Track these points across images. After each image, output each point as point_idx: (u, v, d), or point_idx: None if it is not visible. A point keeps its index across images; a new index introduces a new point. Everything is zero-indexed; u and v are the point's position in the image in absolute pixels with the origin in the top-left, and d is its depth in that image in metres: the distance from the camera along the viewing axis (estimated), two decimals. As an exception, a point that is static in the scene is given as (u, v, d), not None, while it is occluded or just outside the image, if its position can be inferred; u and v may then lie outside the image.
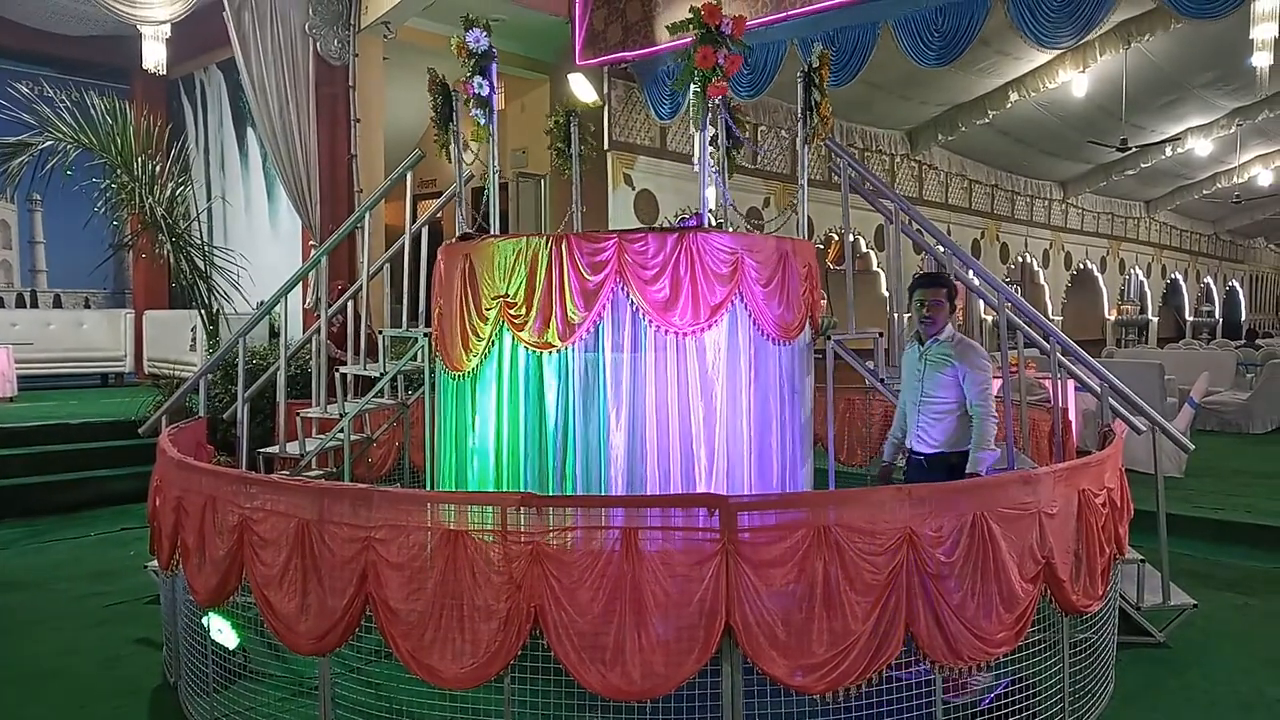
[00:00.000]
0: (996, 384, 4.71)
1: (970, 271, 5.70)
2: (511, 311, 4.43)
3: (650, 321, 4.35)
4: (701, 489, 4.38)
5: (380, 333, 5.96)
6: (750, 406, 4.61)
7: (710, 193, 5.58)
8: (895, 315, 5.78)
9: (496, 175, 5.43)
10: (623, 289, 4.35)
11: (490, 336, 4.50)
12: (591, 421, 4.36)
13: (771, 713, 3.19)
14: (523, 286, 4.40)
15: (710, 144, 5.84)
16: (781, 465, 4.79)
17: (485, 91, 5.16)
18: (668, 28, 5.14)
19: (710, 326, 4.43)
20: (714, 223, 5.47)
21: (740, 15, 4.89)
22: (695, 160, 6.03)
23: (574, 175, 6.31)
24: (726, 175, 5.47)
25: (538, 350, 4.40)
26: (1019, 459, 4.90)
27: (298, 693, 3.87)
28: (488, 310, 4.51)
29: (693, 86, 4.85)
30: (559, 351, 4.37)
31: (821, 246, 13.32)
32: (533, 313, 4.38)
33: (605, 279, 4.33)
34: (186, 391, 6.06)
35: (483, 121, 5.23)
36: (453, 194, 5.58)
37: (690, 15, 4.76)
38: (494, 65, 5.19)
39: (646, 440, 4.37)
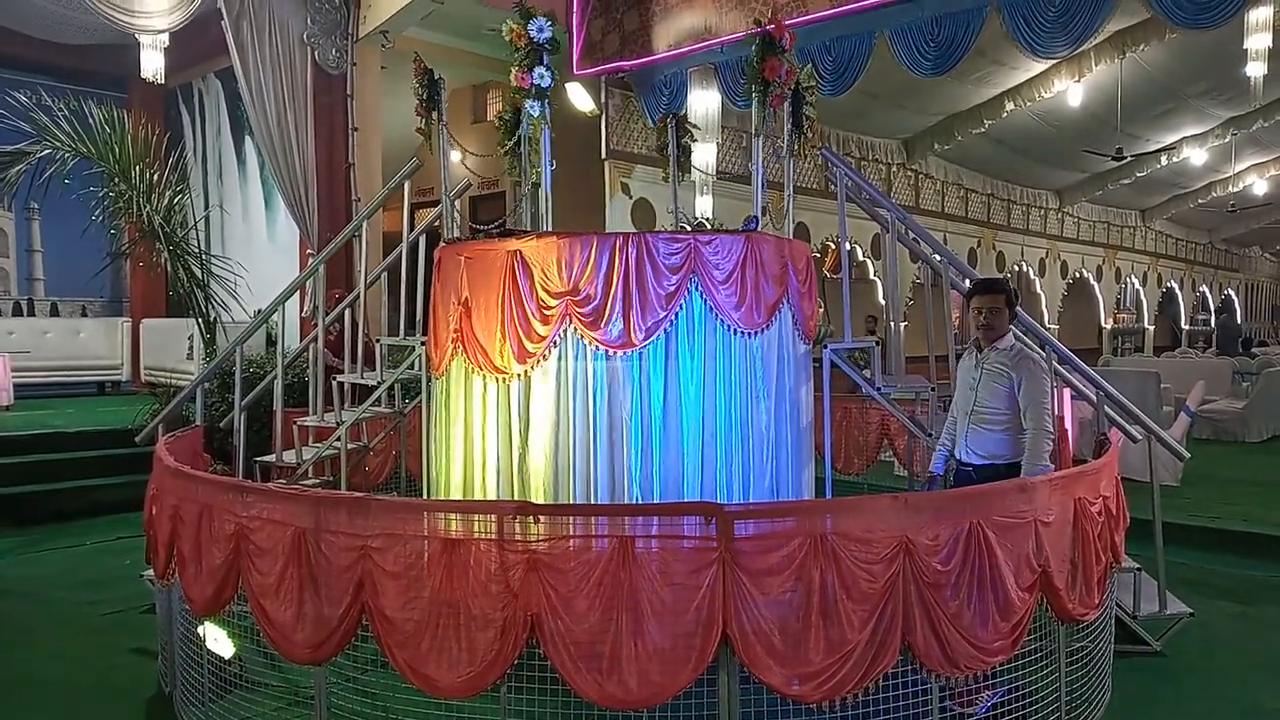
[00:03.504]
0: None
1: (966, 281, 5.71)
2: (581, 311, 4.27)
3: (721, 321, 4.36)
4: (761, 495, 4.43)
5: (377, 341, 5.96)
6: (791, 405, 4.67)
7: (706, 201, 5.63)
8: (892, 324, 5.81)
9: (550, 173, 5.33)
10: (698, 289, 4.34)
11: (551, 337, 4.31)
12: (670, 422, 4.30)
13: (768, 722, 3.19)
14: (596, 285, 4.26)
15: (661, 151, 5.95)
16: (806, 466, 4.89)
17: (546, 82, 5.01)
18: (747, 35, 5.25)
19: (768, 326, 4.50)
20: (708, 227, 5.53)
21: (793, 34, 5.04)
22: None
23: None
24: (678, 179, 5.64)
25: (609, 350, 4.27)
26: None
27: (293, 702, 3.86)
28: (548, 310, 4.32)
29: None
30: (635, 351, 4.26)
31: (818, 255, 13.34)
32: (607, 312, 4.25)
33: (682, 279, 4.31)
34: (183, 400, 6.06)
35: (535, 114, 5.12)
36: (459, 192, 5.53)
37: (755, 25, 4.92)
38: (547, 57, 5.05)
39: (717, 440, 4.37)
